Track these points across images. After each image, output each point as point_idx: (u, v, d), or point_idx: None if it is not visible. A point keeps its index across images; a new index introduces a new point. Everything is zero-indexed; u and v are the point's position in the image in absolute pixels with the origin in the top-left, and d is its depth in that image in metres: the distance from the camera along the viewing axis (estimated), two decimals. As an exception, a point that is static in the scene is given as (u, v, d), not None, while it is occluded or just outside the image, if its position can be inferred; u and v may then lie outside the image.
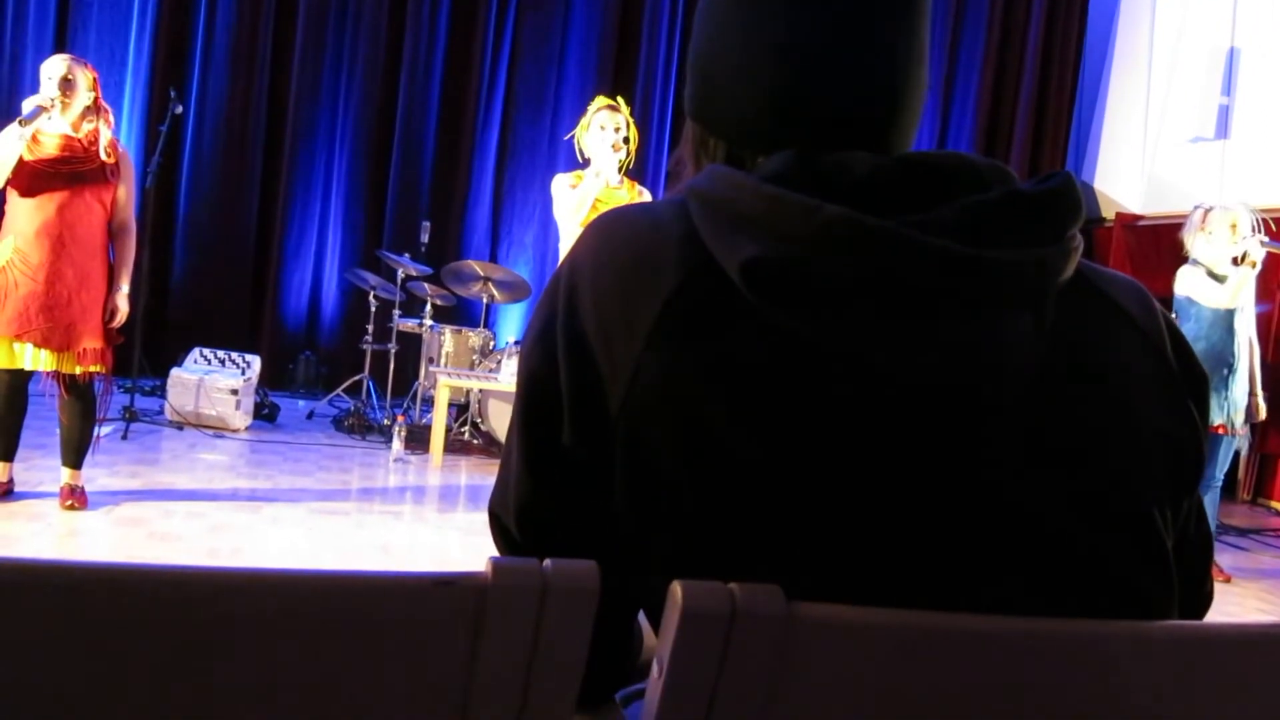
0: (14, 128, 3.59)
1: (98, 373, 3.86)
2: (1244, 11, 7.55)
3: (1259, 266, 4.50)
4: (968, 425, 0.73)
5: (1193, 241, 4.65)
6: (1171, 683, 0.71)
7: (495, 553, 0.87)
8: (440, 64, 7.95)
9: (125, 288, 3.90)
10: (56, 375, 3.79)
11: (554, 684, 0.66)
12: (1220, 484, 4.66)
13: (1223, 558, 4.99)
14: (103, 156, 3.79)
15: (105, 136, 3.82)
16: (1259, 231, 4.55)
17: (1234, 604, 4.39)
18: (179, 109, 5.53)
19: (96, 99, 3.82)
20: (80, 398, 3.86)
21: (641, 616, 0.96)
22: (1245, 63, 7.56)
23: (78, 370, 3.79)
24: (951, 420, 0.73)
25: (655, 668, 0.65)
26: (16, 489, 3.98)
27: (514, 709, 0.66)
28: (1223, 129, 7.64)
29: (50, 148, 3.71)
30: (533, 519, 0.83)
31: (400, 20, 7.84)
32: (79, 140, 3.77)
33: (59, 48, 6.87)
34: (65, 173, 3.71)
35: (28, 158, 3.66)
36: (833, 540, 0.72)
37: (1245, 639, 0.74)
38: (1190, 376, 0.82)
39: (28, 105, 3.66)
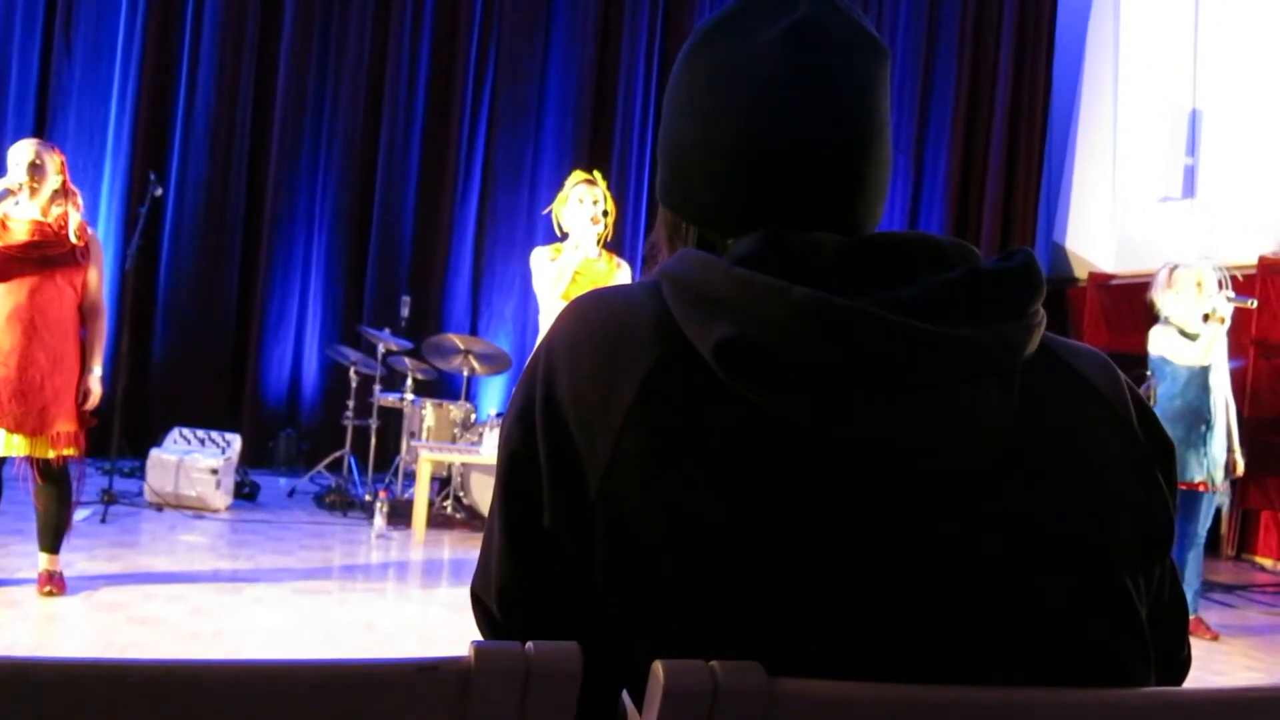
0: None
1: (72, 456, 3.83)
2: (1203, 74, 7.76)
3: (1228, 322, 4.56)
4: (938, 497, 0.74)
5: (1162, 300, 4.72)
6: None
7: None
8: (418, 138, 8.06)
9: (98, 370, 3.89)
10: (30, 460, 3.76)
11: (538, 768, 0.66)
12: (1203, 541, 4.66)
13: (1209, 615, 4.98)
14: (73, 240, 3.80)
15: (75, 220, 3.82)
16: (1226, 287, 4.63)
17: (1222, 661, 4.38)
18: (159, 190, 5.57)
19: (65, 182, 3.84)
20: (55, 482, 3.83)
21: (625, 696, 0.96)
22: (1207, 123, 7.74)
23: (51, 454, 3.76)
24: (922, 492, 0.74)
25: (639, 748, 0.65)
26: (-8, 576, 3.93)
27: (498, 795, 0.66)
28: (1189, 188, 7.80)
29: (20, 233, 3.72)
30: (514, 600, 0.83)
31: (378, 96, 7.95)
32: (49, 225, 3.77)
33: (38, 133, 6.92)
34: (36, 257, 3.71)
35: None
36: (811, 611, 0.72)
37: (1223, 704, 0.75)
38: (1157, 446, 0.83)
39: None
